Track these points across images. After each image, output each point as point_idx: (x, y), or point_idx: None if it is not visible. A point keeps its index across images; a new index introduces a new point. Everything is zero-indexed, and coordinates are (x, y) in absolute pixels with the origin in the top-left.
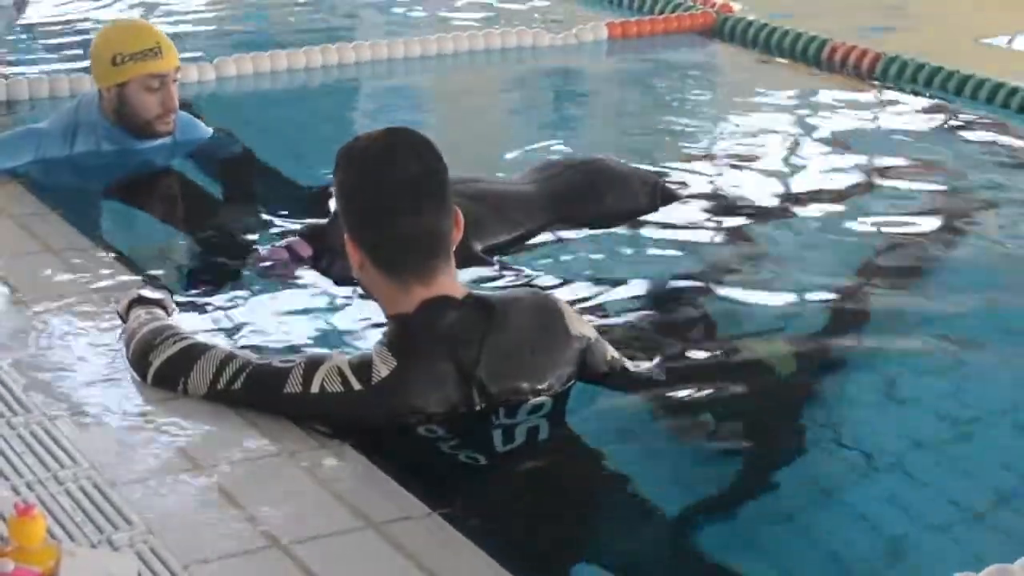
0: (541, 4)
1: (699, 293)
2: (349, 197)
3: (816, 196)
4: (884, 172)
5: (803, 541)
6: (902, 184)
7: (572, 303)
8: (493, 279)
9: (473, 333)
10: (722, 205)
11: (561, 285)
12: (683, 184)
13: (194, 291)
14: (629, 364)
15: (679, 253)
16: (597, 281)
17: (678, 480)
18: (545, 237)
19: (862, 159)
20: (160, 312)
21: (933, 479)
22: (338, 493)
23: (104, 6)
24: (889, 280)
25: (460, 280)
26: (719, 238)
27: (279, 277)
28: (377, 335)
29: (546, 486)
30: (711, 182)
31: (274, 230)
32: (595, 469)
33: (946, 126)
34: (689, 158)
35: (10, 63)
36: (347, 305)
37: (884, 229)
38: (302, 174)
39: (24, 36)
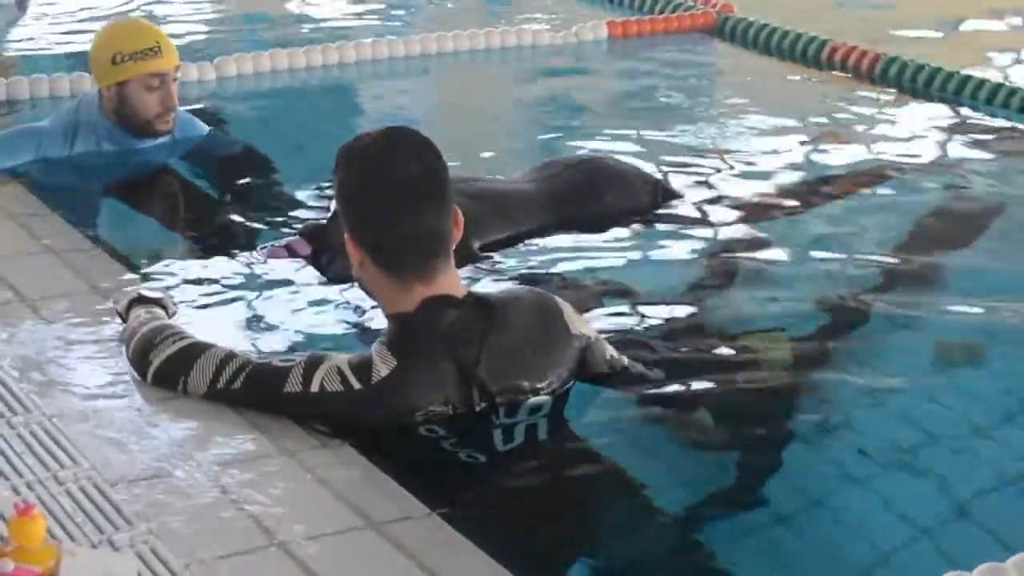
0: (541, 3)
1: (699, 292)
2: (349, 197)
3: (816, 196)
4: (884, 172)
5: (802, 541)
6: (902, 184)
7: (571, 302)
8: (493, 278)
9: (473, 332)
10: (722, 204)
11: (561, 285)
12: (683, 183)
13: (194, 291)
14: (628, 363)
15: (679, 253)
16: (597, 281)
17: (678, 480)
18: (545, 236)
19: (862, 159)
20: (160, 311)
21: (932, 479)
22: (338, 493)
23: (104, 5)
24: (889, 280)
25: (460, 279)
26: (719, 237)
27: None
28: (377, 335)
29: (546, 486)
30: (711, 182)
31: (274, 229)
32: (595, 469)
33: (946, 127)
34: (689, 157)
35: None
36: (346, 305)
37: (884, 229)
38: (302, 173)
39: (25, 35)
